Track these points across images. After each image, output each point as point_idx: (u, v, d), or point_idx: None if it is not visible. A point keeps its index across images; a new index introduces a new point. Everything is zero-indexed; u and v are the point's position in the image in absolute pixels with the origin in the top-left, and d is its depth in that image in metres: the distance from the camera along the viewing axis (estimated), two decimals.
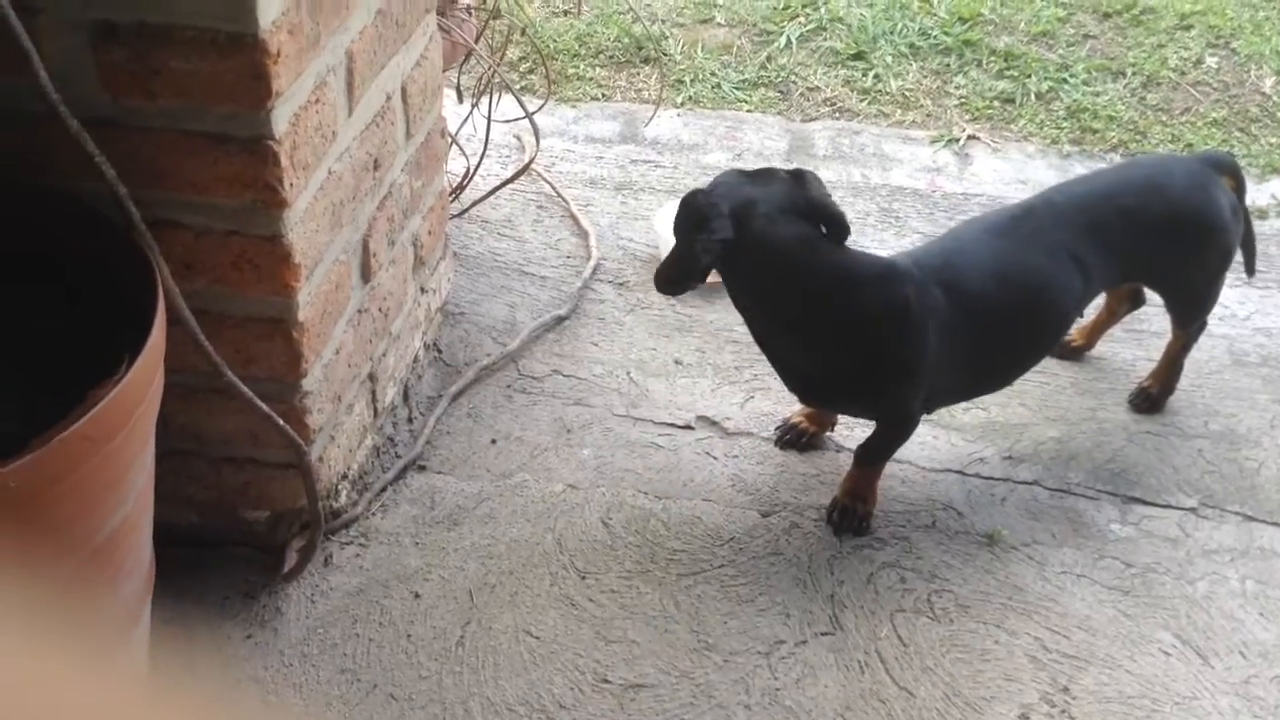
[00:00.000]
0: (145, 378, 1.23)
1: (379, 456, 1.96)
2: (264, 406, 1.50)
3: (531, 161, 2.36)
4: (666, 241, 2.44)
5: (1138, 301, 2.21)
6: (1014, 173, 3.08)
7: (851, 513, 1.88)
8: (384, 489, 1.91)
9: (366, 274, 1.78)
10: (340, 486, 1.82)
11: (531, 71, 3.28)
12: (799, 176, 1.73)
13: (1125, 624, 1.75)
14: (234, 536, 1.77)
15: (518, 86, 2.74)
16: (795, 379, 1.80)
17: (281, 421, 1.53)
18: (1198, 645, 1.72)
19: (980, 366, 1.86)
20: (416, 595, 1.75)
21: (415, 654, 1.66)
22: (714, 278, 2.43)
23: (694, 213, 1.70)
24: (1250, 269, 2.07)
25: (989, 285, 1.80)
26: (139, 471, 1.30)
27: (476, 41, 2.23)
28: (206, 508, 1.74)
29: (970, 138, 3.25)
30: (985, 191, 2.88)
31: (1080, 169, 3.09)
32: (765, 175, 1.74)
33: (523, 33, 2.52)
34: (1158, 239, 1.89)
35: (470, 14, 2.29)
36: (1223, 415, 2.15)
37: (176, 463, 1.63)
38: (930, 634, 1.72)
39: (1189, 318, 2.04)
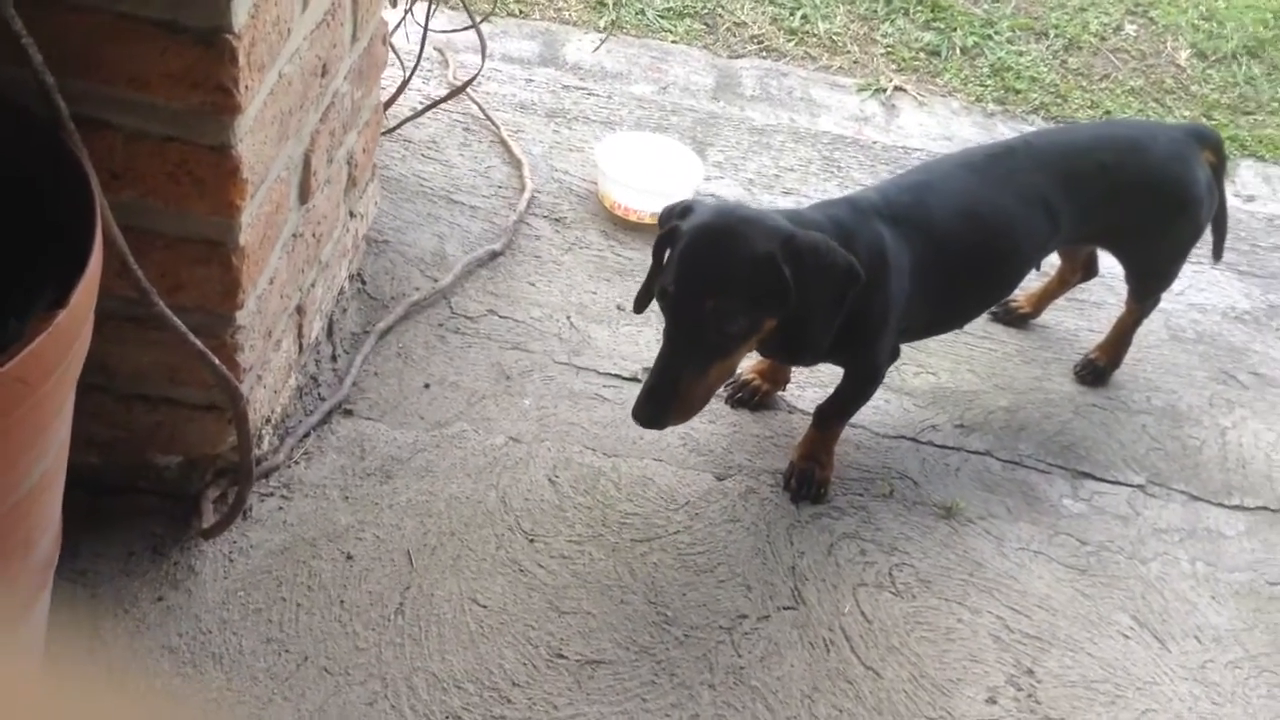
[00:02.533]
0: (82, 313, 1.03)
1: (301, 398, 1.77)
2: (198, 343, 1.30)
3: (474, 78, 2.16)
4: (607, 176, 2.29)
5: (1090, 272, 2.17)
6: (939, 128, 3.02)
7: (809, 478, 1.80)
8: (307, 435, 1.73)
9: (305, 194, 1.58)
10: (263, 431, 1.63)
11: None
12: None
13: (1084, 604, 1.72)
14: (139, 483, 1.57)
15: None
16: (770, 348, 1.69)
17: (216, 361, 1.33)
18: (1154, 628, 1.70)
19: (942, 306, 1.79)
20: (349, 556, 1.58)
21: (350, 623, 1.50)
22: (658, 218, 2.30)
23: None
24: (1218, 252, 2.05)
25: (958, 223, 1.72)
26: (64, 418, 1.10)
27: None
28: (110, 449, 1.53)
29: (897, 88, 3.18)
30: (914, 145, 2.81)
31: (1004, 129, 3.06)
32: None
33: None
34: (1131, 201, 1.84)
35: None
36: (1164, 391, 2.14)
37: (79, 398, 1.41)
38: (893, 610, 1.66)
39: (1147, 290, 2.02)
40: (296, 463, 1.69)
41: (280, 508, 1.62)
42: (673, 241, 1.55)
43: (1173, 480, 1.95)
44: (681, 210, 1.58)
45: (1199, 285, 2.38)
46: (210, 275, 1.37)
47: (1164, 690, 1.62)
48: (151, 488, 1.57)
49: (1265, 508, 1.93)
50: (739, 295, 1.50)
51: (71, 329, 1.00)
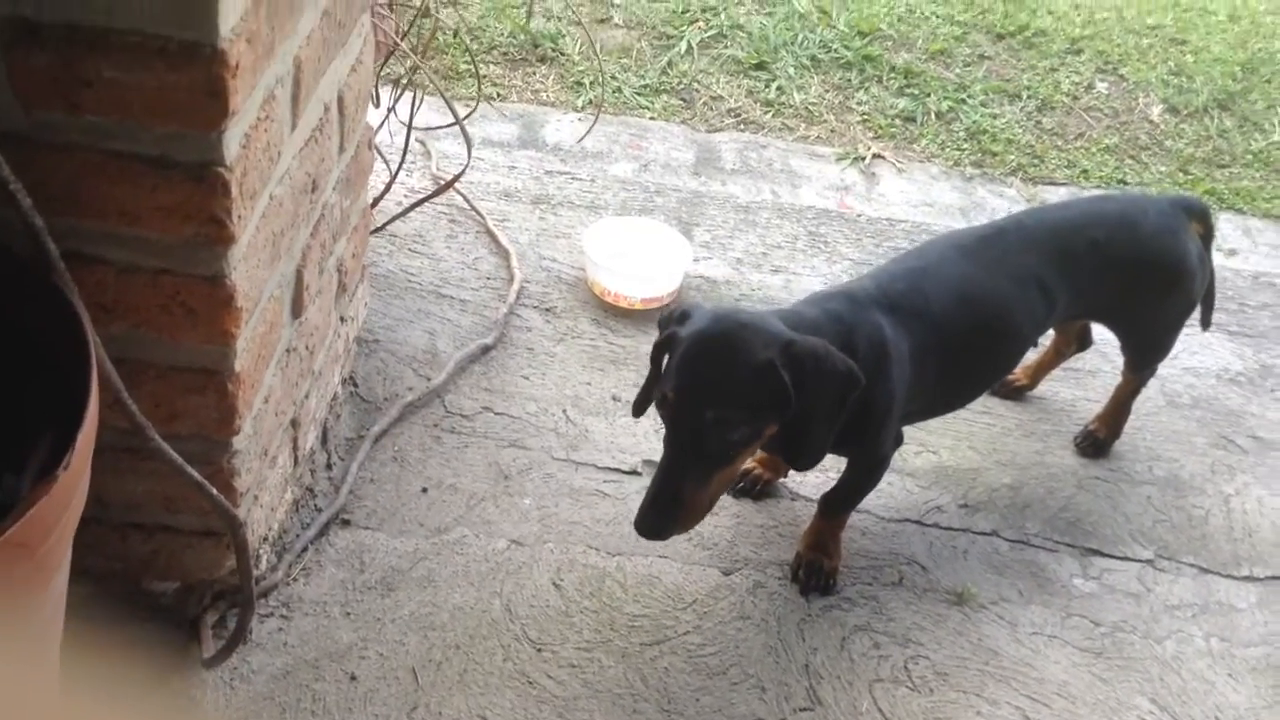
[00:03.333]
0: (80, 469, 1.00)
1: (298, 511, 1.74)
2: (195, 474, 1.27)
3: (462, 174, 2.16)
4: (595, 264, 2.28)
5: (1085, 343, 2.17)
6: (920, 194, 3.04)
7: (817, 569, 1.77)
8: (305, 549, 1.70)
9: (298, 309, 1.56)
10: (260, 550, 1.60)
11: (442, 74, 3.05)
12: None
13: (1102, 689, 1.69)
14: (135, 611, 1.53)
15: (426, 90, 2.53)
16: (772, 450, 1.67)
17: (215, 491, 1.30)
18: (1174, 712, 1.67)
19: (943, 390, 1.78)
20: (353, 677, 1.54)
21: None
22: (648, 304, 2.29)
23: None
24: (1206, 322, 2.05)
25: (955, 308, 1.71)
26: (64, 571, 1.07)
27: (403, 40, 2.01)
28: (105, 579, 1.49)
29: (876, 156, 3.20)
30: (896, 216, 2.82)
31: (984, 192, 3.08)
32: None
33: (455, 34, 2.30)
34: (1124, 277, 1.84)
35: (391, 10, 2.07)
36: (1165, 460, 2.13)
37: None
38: (912, 706, 1.63)
39: (1143, 361, 2.01)
40: (295, 579, 1.65)
41: (280, 629, 1.58)
42: (671, 348, 1.54)
43: (1181, 553, 1.94)
44: (679, 315, 1.56)
45: (1191, 349, 2.38)
46: (205, 403, 1.35)
47: None
48: (148, 615, 1.53)
49: (1275, 577, 1.92)
50: (740, 404, 1.48)
51: (71, 487, 0.98)
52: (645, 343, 2.21)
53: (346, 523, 1.76)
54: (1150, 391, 2.21)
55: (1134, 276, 1.84)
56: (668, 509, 1.50)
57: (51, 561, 1.00)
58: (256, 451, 1.48)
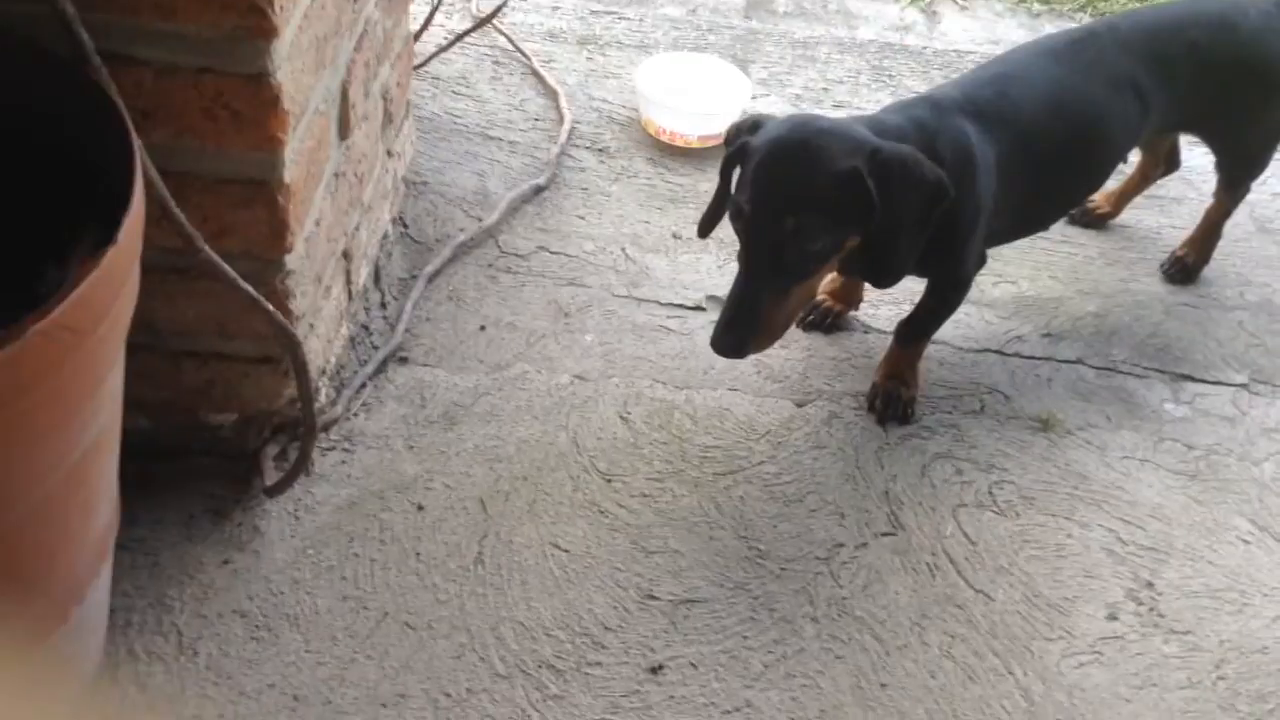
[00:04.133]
0: (130, 251, 0.94)
1: (355, 348, 1.68)
2: (249, 288, 1.21)
3: (503, 5, 2.04)
4: (649, 101, 2.17)
5: (1173, 165, 2.05)
6: (984, 33, 2.88)
7: (895, 398, 1.69)
8: (364, 385, 1.64)
9: (345, 129, 1.48)
10: (319, 383, 1.55)
11: None
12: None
13: (1198, 511, 1.61)
14: (193, 445, 1.49)
15: None
16: (852, 268, 1.58)
17: (271, 307, 1.24)
18: (1275, 532, 1.60)
19: (1031, 206, 1.67)
20: (420, 507, 1.50)
21: (428, 575, 1.42)
22: (705, 142, 2.19)
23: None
24: None
25: (1045, 117, 1.60)
26: (117, 372, 1.01)
27: None
28: (160, 411, 1.45)
29: None
30: (965, 48, 2.67)
31: (1052, 29, 2.92)
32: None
33: None
34: (1224, 81, 1.71)
35: None
36: (1256, 285, 2.02)
37: (125, 359, 1.33)
38: (998, 530, 1.56)
39: (1239, 177, 1.89)
40: (356, 414, 1.61)
41: (343, 461, 1.54)
42: (744, 159, 1.44)
43: (1277, 377, 1.84)
44: (751, 125, 1.47)
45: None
46: (256, 217, 1.28)
47: None
48: (206, 449, 1.49)
49: None
50: (821, 213, 1.39)
51: (120, 270, 0.91)
52: (704, 181, 2.12)
53: (404, 360, 1.70)
54: (1239, 217, 2.08)
55: (1234, 80, 1.71)
56: (746, 326, 1.42)
57: (104, 356, 0.95)
58: (310, 277, 1.42)
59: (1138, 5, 2.94)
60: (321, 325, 1.52)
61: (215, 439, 1.48)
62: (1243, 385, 1.82)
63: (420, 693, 1.30)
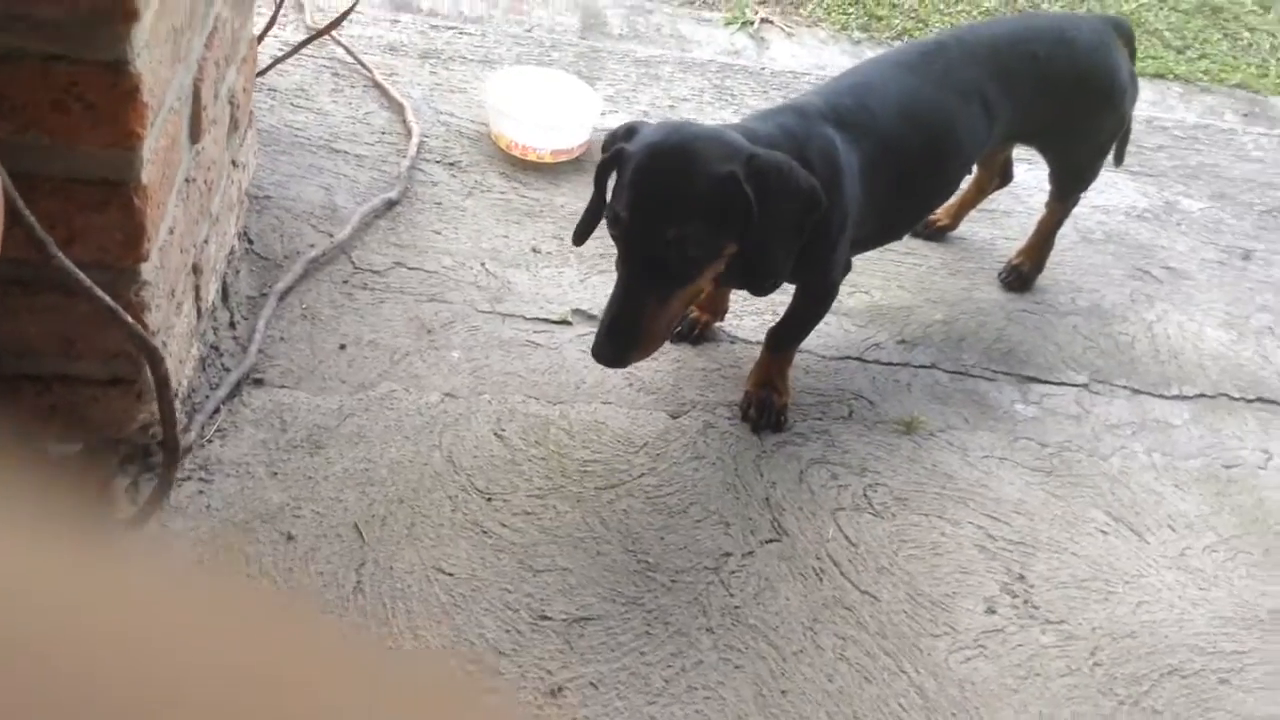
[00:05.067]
0: None
1: (205, 370, 1.56)
2: (106, 297, 1.10)
3: (347, 14, 1.96)
4: (501, 114, 2.13)
5: (1006, 178, 2.14)
6: (811, 58, 2.97)
7: (768, 405, 1.70)
8: (217, 409, 1.53)
9: (196, 131, 1.38)
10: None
11: None
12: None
13: (1057, 505, 1.68)
14: (34, 479, 1.34)
15: None
16: (729, 276, 1.57)
17: (130, 318, 1.13)
18: (1129, 522, 1.68)
19: (890, 213, 1.71)
20: (289, 537, 1.40)
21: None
22: (558, 156, 2.16)
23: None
24: (1120, 157, 2.02)
25: (902, 123, 1.64)
26: None
27: None
28: None
29: (764, 20, 3.11)
30: (801, 69, 2.74)
31: (870, 54, 3.03)
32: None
33: None
34: (1061, 92, 1.80)
35: None
36: (1086, 291, 2.13)
37: None
38: (876, 531, 1.58)
39: (1071, 187, 1.99)
40: (210, 441, 1.49)
41: (201, 491, 1.42)
42: (620, 165, 1.42)
43: (1114, 377, 1.94)
44: (625, 131, 1.45)
45: (1098, 188, 2.37)
46: (109, 222, 1.17)
47: (1151, 581, 1.59)
48: (48, 483, 1.35)
49: (1203, 395, 1.94)
50: (700, 219, 1.38)
51: None
52: (559, 195, 2.09)
53: (259, 382, 1.59)
54: (1064, 228, 2.20)
55: (1071, 92, 1.81)
56: (627, 333, 1.39)
57: None
58: (164, 290, 1.31)
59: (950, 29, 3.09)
60: (174, 344, 1.41)
61: (58, 472, 1.34)
62: (1084, 385, 1.91)
63: None
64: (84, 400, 1.30)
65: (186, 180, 1.38)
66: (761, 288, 1.53)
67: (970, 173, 1.88)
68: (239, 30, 1.58)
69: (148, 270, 1.23)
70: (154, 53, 1.13)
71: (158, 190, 1.21)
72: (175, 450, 1.25)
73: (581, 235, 1.56)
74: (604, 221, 1.47)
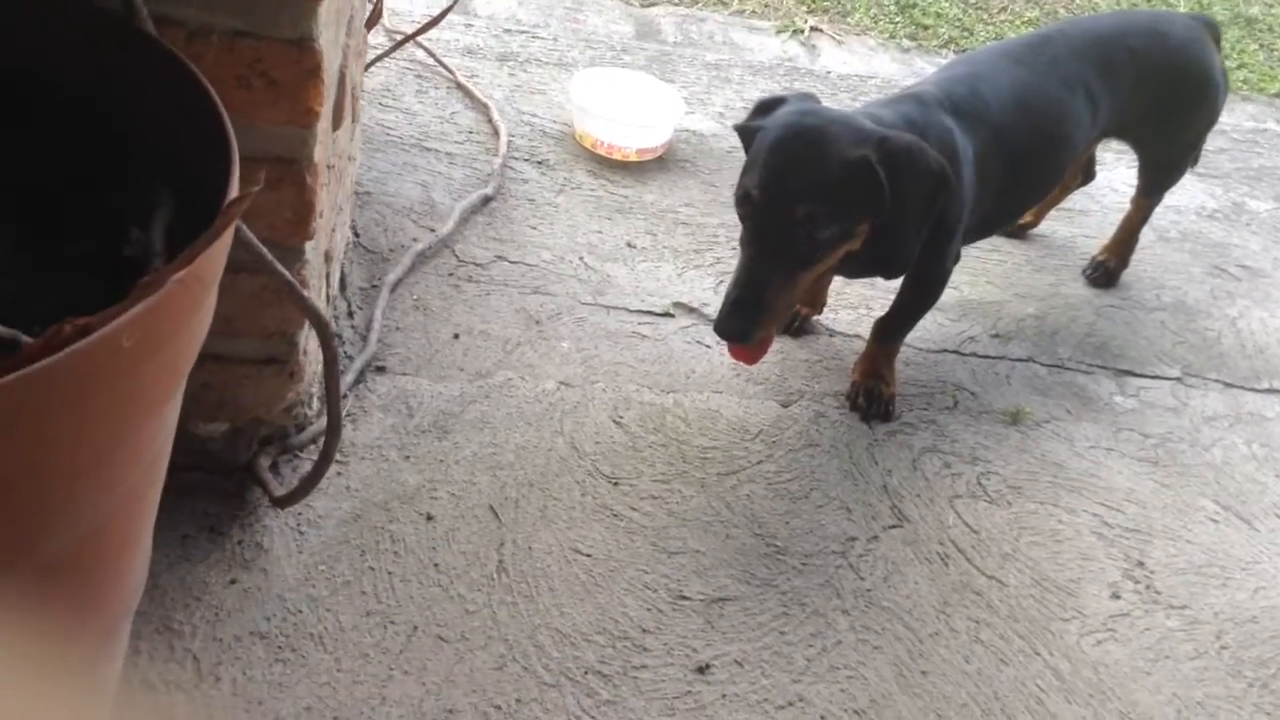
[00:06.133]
0: (235, 213, 0.84)
1: None
2: (284, 271, 1.11)
3: (443, 16, 1.98)
4: (587, 113, 2.15)
5: (1089, 175, 2.17)
6: (861, 65, 3.00)
7: (876, 395, 1.71)
8: (345, 395, 1.54)
9: (338, 117, 1.39)
10: (311, 390, 1.44)
11: None
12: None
13: (1167, 495, 1.69)
14: (179, 459, 1.35)
15: None
16: (857, 261, 1.59)
17: (306, 292, 1.15)
18: (1238, 510, 1.69)
19: (1000, 202, 1.73)
20: (429, 517, 1.41)
21: (451, 586, 1.33)
22: (643, 155, 2.18)
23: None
24: (1196, 156, 2.04)
25: (1014, 113, 1.66)
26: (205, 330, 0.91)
27: None
28: None
29: (813, 29, 3.14)
30: (866, 73, 2.77)
31: (922, 63, 3.06)
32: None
33: None
34: (1159, 86, 1.83)
35: None
36: (1169, 288, 2.15)
37: None
38: (995, 518, 1.59)
39: (1161, 183, 2.01)
40: (342, 425, 1.50)
41: (339, 473, 1.43)
42: (753, 141, 1.44)
43: (1205, 371, 1.96)
44: (763, 105, 1.47)
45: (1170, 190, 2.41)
46: (282, 200, 1.18)
47: (1266, 568, 1.60)
48: (193, 463, 1.36)
49: None
50: (831, 201, 1.40)
51: (227, 232, 0.82)
52: (648, 193, 2.10)
53: (382, 369, 1.60)
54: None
55: (1168, 86, 1.83)
56: (753, 309, 1.41)
57: (204, 323, 0.85)
58: (318, 269, 1.32)
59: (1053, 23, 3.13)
60: (308, 330, 1.41)
61: (203, 452, 1.36)
62: (1177, 379, 1.93)
63: (468, 706, 1.21)
64: (236, 379, 1.31)
65: (329, 165, 1.39)
66: (892, 270, 1.55)
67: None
68: (358, 22, 1.59)
69: (309, 249, 1.24)
70: (329, 31, 1.15)
71: (323, 170, 1.23)
72: (338, 428, 1.26)
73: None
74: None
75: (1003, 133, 1.64)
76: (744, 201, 1.44)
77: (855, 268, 1.58)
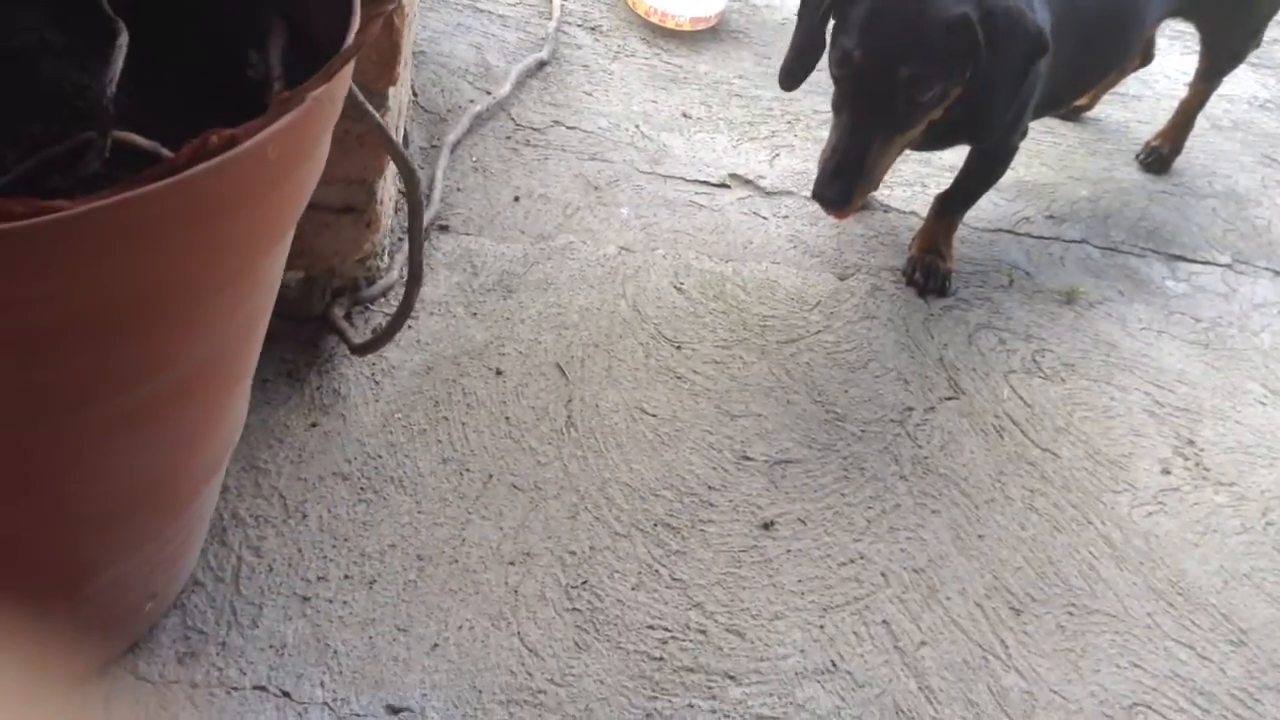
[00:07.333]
0: (374, 27, 0.84)
1: (396, 214, 1.57)
2: (377, 115, 1.11)
3: None
4: None
5: (1148, 58, 2.14)
6: None
7: (934, 270, 1.72)
8: None
9: None
10: (383, 243, 1.44)
11: None
12: None
13: (1217, 377, 1.71)
14: None
15: None
16: (947, 125, 1.57)
17: (395, 138, 1.14)
18: None
19: (1071, 74, 1.70)
20: (498, 372, 1.42)
21: (522, 438, 1.35)
22: (696, 24, 2.14)
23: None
24: (1259, 40, 2.01)
25: None
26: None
27: None
28: None
29: None
30: None
31: None
32: None
33: None
34: None
35: None
36: (1221, 176, 2.14)
37: None
38: (1049, 394, 1.61)
39: (1221, 67, 1.99)
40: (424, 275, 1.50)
41: (410, 326, 1.45)
42: (847, 4, 1.42)
43: (1255, 258, 1.96)
44: None
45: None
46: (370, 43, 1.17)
47: None
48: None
49: None
50: (933, 60, 1.38)
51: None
52: (701, 63, 2.08)
53: (445, 228, 1.61)
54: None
55: None
56: (852, 174, 1.41)
57: (324, 151, 0.85)
58: (397, 118, 1.32)
59: None
60: (385, 180, 1.41)
61: (280, 300, 1.36)
62: (1228, 265, 1.93)
63: (544, 550, 1.24)
64: (315, 226, 1.31)
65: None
66: (982, 135, 1.54)
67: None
68: None
69: (392, 95, 1.24)
70: None
71: (411, 10, 1.21)
72: (419, 276, 1.27)
73: (793, 76, 1.55)
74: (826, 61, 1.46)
75: (1078, 5, 1.61)
76: (843, 63, 1.42)
77: (947, 134, 1.57)
